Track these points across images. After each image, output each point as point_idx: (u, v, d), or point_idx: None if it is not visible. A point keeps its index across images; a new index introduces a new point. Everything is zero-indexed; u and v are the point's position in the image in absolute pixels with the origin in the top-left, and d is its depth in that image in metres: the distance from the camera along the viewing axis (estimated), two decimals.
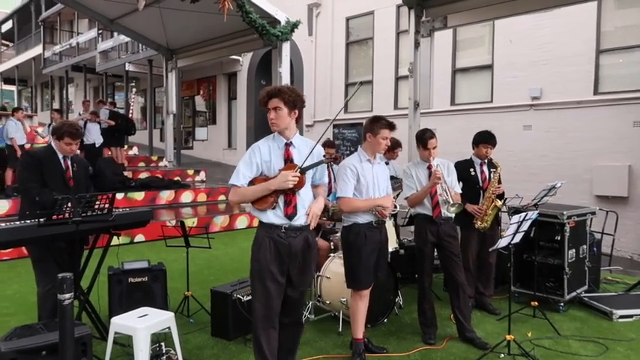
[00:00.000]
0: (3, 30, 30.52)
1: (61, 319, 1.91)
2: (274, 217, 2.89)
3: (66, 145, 3.76)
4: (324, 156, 3.02)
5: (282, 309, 2.97)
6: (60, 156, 3.82)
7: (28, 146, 10.00)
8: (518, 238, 3.93)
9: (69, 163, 3.87)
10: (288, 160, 2.92)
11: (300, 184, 2.86)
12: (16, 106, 17.74)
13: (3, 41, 31.64)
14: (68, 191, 3.68)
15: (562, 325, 4.51)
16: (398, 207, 4.44)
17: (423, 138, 4.20)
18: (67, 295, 1.88)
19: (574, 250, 5.04)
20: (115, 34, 18.02)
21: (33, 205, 3.57)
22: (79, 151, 10.93)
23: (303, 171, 2.86)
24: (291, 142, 2.96)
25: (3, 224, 3.28)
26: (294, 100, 2.90)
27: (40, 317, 3.66)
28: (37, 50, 25.35)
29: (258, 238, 2.94)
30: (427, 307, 4.20)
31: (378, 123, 3.64)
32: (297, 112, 2.94)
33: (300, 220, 2.91)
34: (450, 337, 4.19)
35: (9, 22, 29.43)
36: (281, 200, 2.88)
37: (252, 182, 2.90)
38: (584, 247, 5.24)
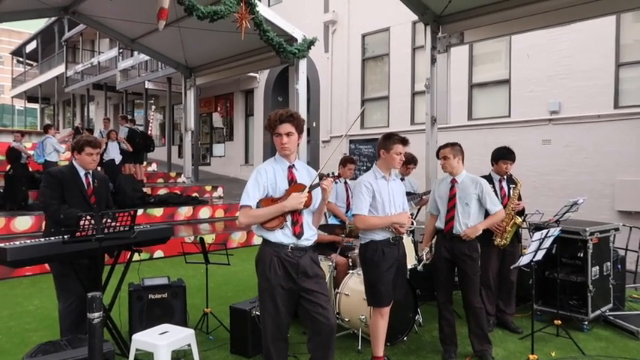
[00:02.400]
0: (27, 50, 31.42)
1: (90, 337, 1.94)
2: (283, 236, 2.95)
3: (88, 156, 3.82)
4: (328, 175, 3.08)
5: (313, 323, 2.96)
6: (82, 173, 3.88)
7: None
8: (540, 255, 3.87)
9: (90, 179, 3.92)
10: (292, 182, 3.02)
11: (308, 203, 2.96)
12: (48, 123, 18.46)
13: (27, 61, 32.56)
14: (89, 208, 3.74)
15: (587, 344, 4.40)
16: (415, 223, 4.43)
17: (437, 150, 4.29)
18: (97, 314, 1.91)
19: (597, 267, 4.94)
20: (135, 53, 18.44)
21: (56, 222, 3.65)
22: (99, 168, 11.24)
23: (310, 190, 2.96)
24: (293, 164, 3.08)
25: (28, 241, 3.34)
26: (302, 125, 3.05)
27: (62, 332, 3.70)
28: (60, 69, 26.03)
29: (264, 256, 2.98)
30: (444, 323, 4.15)
31: (391, 139, 3.66)
32: (301, 136, 3.07)
33: (306, 241, 3.00)
34: (471, 356, 4.11)
35: (33, 42, 30.32)
36: (288, 219, 2.96)
37: (258, 204, 2.97)
38: (608, 264, 5.13)
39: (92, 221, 3.28)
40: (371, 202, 3.62)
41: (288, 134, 2.96)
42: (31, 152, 11.22)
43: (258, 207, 2.96)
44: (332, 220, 5.28)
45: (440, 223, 4.18)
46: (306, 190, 2.94)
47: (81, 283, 3.55)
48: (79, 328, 3.62)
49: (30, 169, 10.84)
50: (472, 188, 4.07)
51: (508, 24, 6.59)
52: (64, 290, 3.71)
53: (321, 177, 2.99)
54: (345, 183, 5.79)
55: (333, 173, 3.14)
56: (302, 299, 2.96)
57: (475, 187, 4.07)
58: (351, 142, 13.51)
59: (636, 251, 6.29)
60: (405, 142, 3.68)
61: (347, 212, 5.57)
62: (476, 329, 4.05)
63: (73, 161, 3.93)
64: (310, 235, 3.04)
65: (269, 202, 2.96)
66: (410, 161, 5.76)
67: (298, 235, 2.96)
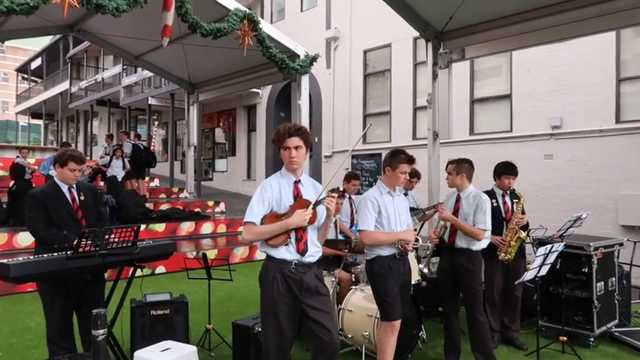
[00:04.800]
0: (32, 67, 31.75)
1: (94, 354, 1.93)
2: (287, 253, 2.93)
3: (70, 172, 3.69)
4: (333, 190, 3.08)
5: (316, 342, 2.92)
6: (64, 189, 3.73)
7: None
8: (544, 270, 3.85)
9: (75, 194, 3.77)
10: (298, 197, 3.00)
11: (313, 220, 2.94)
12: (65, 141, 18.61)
13: (32, 78, 32.88)
14: (77, 224, 3.64)
15: None
16: (420, 240, 4.42)
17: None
18: (101, 331, 1.90)
19: (602, 283, 4.91)
20: (139, 69, 18.61)
21: (44, 244, 3.56)
22: (102, 183, 11.22)
23: (314, 207, 2.94)
24: (299, 180, 3.06)
25: (31, 257, 3.33)
26: (310, 140, 3.05)
27: (51, 352, 3.62)
28: (64, 86, 26.27)
29: (267, 272, 2.96)
30: (446, 333, 4.24)
31: (398, 157, 3.67)
32: (308, 151, 3.07)
33: (310, 258, 2.97)
34: None
35: (38, 59, 30.65)
36: (292, 236, 2.94)
37: (262, 220, 2.95)
38: (613, 279, 5.09)
39: (91, 238, 3.24)
40: (377, 218, 3.63)
41: (296, 148, 2.95)
42: (35, 167, 11.27)
43: (262, 223, 2.94)
44: (339, 236, 5.28)
45: (446, 236, 4.25)
46: (311, 206, 2.92)
47: (78, 300, 3.53)
48: (62, 343, 3.62)
49: (34, 185, 10.87)
50: (471, 205, 4.15)
51: (509, 40, 6.65)
52: (50, 310, 3.64)
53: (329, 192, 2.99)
54: (350, 198, 5.79)
55: (338, 188, 3.14)
56: (305, 316, 2.93)
57: (473, 203, 4.14)
58: (353, 157, 13.53)
59: None
60: (411, 161, 3.70)
61: (351, 227, 5.57)
62: (479, 343, 4.05)
63: (55, 178, 3.80)
64: (314, 252, 3.01)
65: (273, 218, 2.94)
66: (413, 175, 5.78)
67: (302, 252, 2.94)
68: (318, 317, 2.90)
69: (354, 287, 4.63)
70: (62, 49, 26.30)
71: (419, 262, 5.34)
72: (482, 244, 4.13)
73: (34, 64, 31.42)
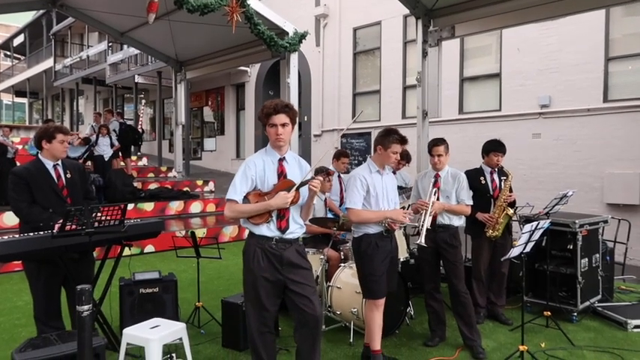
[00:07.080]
0: (15, 44, 30.99)
1: (79, 330, 1.92)
2: (267, 230, 2.94)
3: (60, 144, 3.63)
4: (323, 169, 3.06)
5: (299, 314, 2.95)
6: (49, 166, 3.63)
7: None
8: (529, 247, 3.90)
9: (60, 171, 3.68)
10: (282, 175, 2.99)
11: (296, 201, 2.95)
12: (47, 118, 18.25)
13: (15, 55, 32.13)
14: (62, 203, 3.58)
15: (576, 335, 4.46)
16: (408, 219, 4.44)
17: (429, 145, 4.35)
18: (86, 307, 1.89)
19: (587, 259, 4.99)
20: (125, 46, 18.25)
21: (27, 223, 3.51)
22: (89, 163, 11.06)
23: (298, 188, 2.93)
24: (284, 157, 3.04)
25: (17, 236, 3.30)
26: (296, 117, 3.03)
27: (39, 331, 3.61)
28: (48, 63, 25.69)
29: (249, 248, 2.99)
30: (429, 310, 4.33)
31: (390, 137, 3.65)
32: (294, 128, 3.05)
33: (291, 235, 2.98)
34: (462, 347, 4.15)
35: (21, 36, 29.89)
36: (274, 213, 2.94)
37: (245, 197, 2.95)
38: (597, 255, 5.19)
39: (77, 216, 3.20)
40: (365, 196, 3.63)
41: (283, 125, 2.93)
42: (19, 147, 11.09)
43: (245, 200, 2.94)
44: (328, 215, 5.30)
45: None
46: (294, 189, 2.91)
47: (66, 279, 3.53)
48: (50, 322, 3.60)
49: (17, 164, 10.70)
50: (452, 182, 4.21)
51: (499, 18, 6.60)
52: (37, 289, 3.63)
53: (316, 172, 2.97)
54: (339, 177, 5.79)
55: (325, 168, 3.12)
56: (288, 290, 2.95)
57: (454, 181, 4.21)
58: (342, 135, 13.50)
59: (624, 243, 6.36)
60: (403, 141, 3.69)
61: (341, 206, 5.59)
62: (464, 316, 4.13)
63: (39, 155, 3.69)
64: (296, 229, 3.02)
65: (257, 196, 2.94)
66: (403, 157, 5.77)
67: (284, 229, 2.95)
68: (300, 290, 2.93)
69: (342, 265, 4.67)
70: (45, 26, 25.64)
71: (407, 239, 5.40)
72: (462, 220, 4.29)
73: (17, 41, 30.64)
